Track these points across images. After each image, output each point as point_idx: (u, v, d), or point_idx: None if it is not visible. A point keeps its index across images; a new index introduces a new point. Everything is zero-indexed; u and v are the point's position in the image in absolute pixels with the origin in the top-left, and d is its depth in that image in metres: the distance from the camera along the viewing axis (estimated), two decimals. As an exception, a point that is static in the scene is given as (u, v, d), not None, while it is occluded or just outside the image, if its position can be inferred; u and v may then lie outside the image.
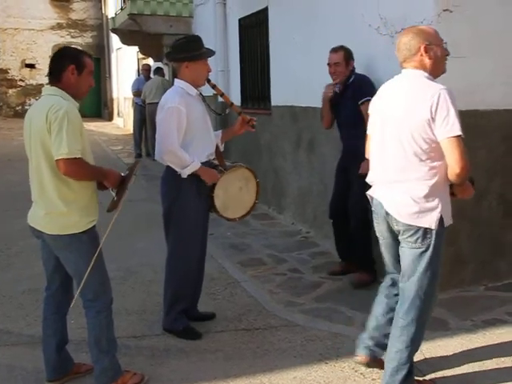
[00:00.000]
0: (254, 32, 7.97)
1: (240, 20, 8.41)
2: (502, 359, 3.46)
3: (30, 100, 22.84)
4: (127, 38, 12.76)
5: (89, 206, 3.06)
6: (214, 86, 4.02)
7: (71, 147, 2.84)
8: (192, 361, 3.55)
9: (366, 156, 3.24)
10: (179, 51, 3.79)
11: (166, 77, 12.46)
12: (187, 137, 3.69)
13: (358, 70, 4.79)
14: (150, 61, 13.98)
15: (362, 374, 3.34)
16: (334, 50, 4.77)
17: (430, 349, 3.60)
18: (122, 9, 12.30)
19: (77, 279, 3.08)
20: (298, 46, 6.44)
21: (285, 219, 6.96)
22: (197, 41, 3.85)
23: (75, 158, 2.86)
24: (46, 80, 3.26)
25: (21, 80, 22.84)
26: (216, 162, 3.92)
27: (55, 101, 2.93)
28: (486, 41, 4.41)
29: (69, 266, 3.09)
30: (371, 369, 3.36)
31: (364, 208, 4.72)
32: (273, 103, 7.33)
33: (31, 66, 22.80)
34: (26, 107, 22.83)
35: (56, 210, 2.98)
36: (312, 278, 4.96)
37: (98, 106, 23.54)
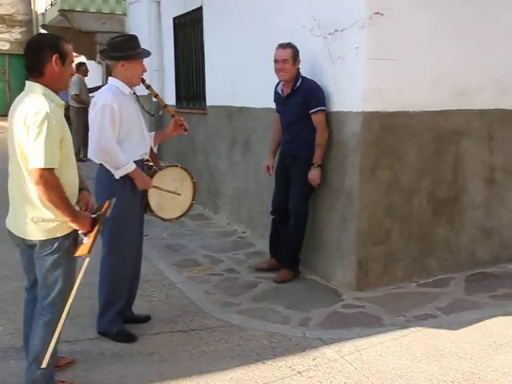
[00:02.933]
0: (189, 31, 7.91)
1: (174, 19, 8.34)
2: (434, 353, 3.56)
3: (-46, 97, 21.86)
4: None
5: None
6: (148, 87, 3.96)
7: (48, 158, 2.65)
8: (126, 364, 3.48)
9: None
10: (115, 49, 3.71)
11: (99, 75, 12.16)
12: (120, 135, 3.62)
13: (293, 71, 4.78)
14: (83, 58, 13.64)
15: (299, 372, 3.36)
16: (282, 47, 4.67)
17: (364, 344, 3.67)
18: (52, 4, 11.91)
19: (42, 284, 2.95)
20: (233, 46, 6.43)
21: (220, 219, 6.94)
22: (133, 40, 3.78)
23: (50, 169, 2.68)
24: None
25: None
26: (151, 163, 3.87)
27: (36, 101, 2.71)
28: (415, 43, 4.54)
29: (40, 270, 2.92)
30: (308, 367, 3.39)
31: (305, 209, 4.80)
32: (208, 103, 7.29)
33: (-46, 62, 21.82)
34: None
35: (42, 216, 2.79)
36: (248, 278, 4.96)
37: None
